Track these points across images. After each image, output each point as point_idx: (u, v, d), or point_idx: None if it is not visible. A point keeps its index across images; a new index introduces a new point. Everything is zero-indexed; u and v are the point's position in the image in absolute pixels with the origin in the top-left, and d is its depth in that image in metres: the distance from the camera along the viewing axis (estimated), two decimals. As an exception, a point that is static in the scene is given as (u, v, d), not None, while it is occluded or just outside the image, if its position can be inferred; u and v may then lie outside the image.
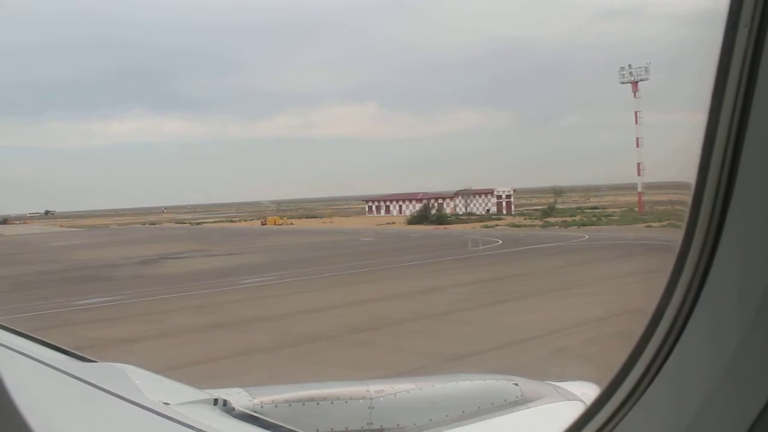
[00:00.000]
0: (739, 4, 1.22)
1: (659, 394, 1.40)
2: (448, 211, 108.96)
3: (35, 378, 3.44)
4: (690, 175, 1.33)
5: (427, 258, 47.25)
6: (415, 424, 3.92)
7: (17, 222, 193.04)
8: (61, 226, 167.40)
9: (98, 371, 3.65)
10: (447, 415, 3.98)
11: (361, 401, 3.90)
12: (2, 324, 4.70)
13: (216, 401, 3.37)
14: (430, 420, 3.94)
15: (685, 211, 1.34)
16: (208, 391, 3.59)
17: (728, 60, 1.24)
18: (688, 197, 1.33)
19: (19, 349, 3.89)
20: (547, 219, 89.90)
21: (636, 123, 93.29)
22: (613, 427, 1.48)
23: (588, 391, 4.16)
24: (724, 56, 1.24)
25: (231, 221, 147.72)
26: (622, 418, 1.46)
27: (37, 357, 3.73)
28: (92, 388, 3.13)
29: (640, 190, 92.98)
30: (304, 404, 3.80)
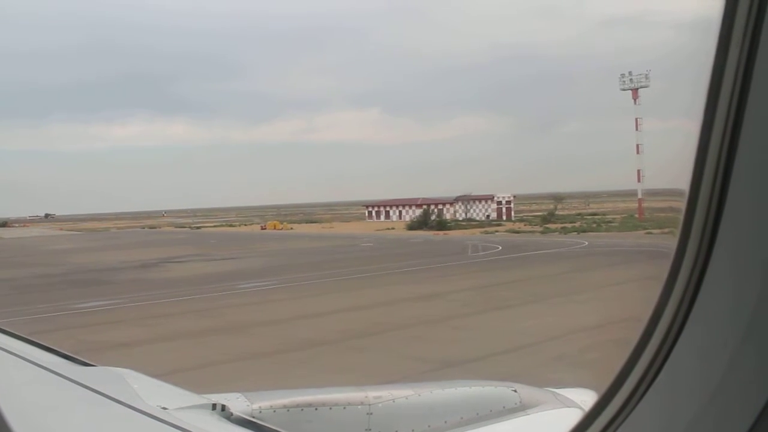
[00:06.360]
0: (731, 19, 1.22)
1: (650, 409, 1.40)
2: (447, 216, 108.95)
3: (33, 381, 3.44)
4: (685, 184, 1.33)
5: (427, 264, 47.22)
6: (413, 431, 3.91)
7: (17, 225, 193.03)
8: (60, 229, 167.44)
9: (97, 375, 3.64)
10: (445, 422, 3.96)
11: (359, 407, 3.89)
12: (0, 327, 4.70)
13: (214, 406, 3.36)
14: (429, 426, 3.93)
15: (679, 221, 1.35)
16: (207, 396, 3.58)
17: (721, 73, 1.24)
18: (683, 208, 1.34)
19: (18, 353, 3.89)
20: (546, 225, 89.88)
21: (636, 130, 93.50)
22: None
23: (587, 398, 4.15)
24: (717, 69, 1.25)
25: (231, 225, 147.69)
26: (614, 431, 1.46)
27: (35, 360, 3.73)
28: (90, 392, 3.13)
29: (640, 196, 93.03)
30: (302, 410, 3.79)
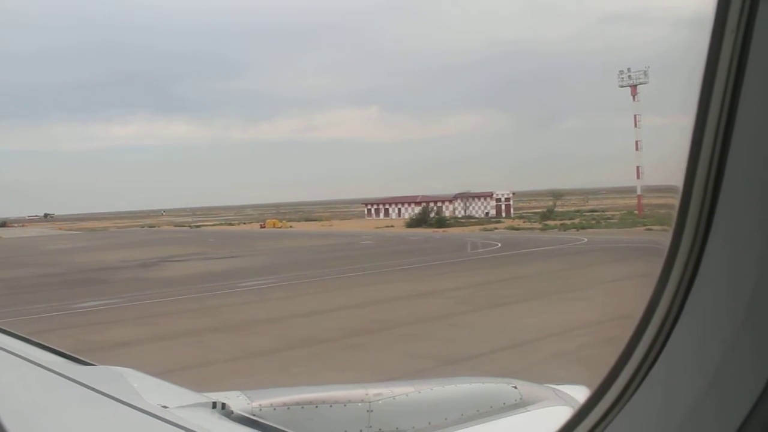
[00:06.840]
0: (725, 10, 1.22)
1: (645, 401, 1.40)
2: (447, 214, 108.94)
3: (32, 381, 3.44)
4: (679, 179, 1.34)
5: (426, 261, 47.22)
6: (414, 428, 3.91)
7: (16, 225, 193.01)
8: (60, 229, 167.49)
9: (96, 374, 3.64)
10: (446, 418, 3.97)
11: (359, 404, 3.89)
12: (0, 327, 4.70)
13: (214, 404, 3.35)
14: (429, 423, 3.93)
15: (673, 216, 1.35)
16: (207, 394, 3.58)
17: (715, 66, 1.25)
18: (677, 201, 1.34)
19: (17, 352, 3.88)
20: (546, 222, 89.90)
21: (635, 126, 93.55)
22: None
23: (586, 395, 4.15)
24: (711, 62, 1.25)
25: (230, 224, 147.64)
26: (607, 425, 1.46)
27: (34, 360, 3.73)
28: (90, 391, 3.12)
29: (639, 193, 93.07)
30: (302, 407, 3.78)
